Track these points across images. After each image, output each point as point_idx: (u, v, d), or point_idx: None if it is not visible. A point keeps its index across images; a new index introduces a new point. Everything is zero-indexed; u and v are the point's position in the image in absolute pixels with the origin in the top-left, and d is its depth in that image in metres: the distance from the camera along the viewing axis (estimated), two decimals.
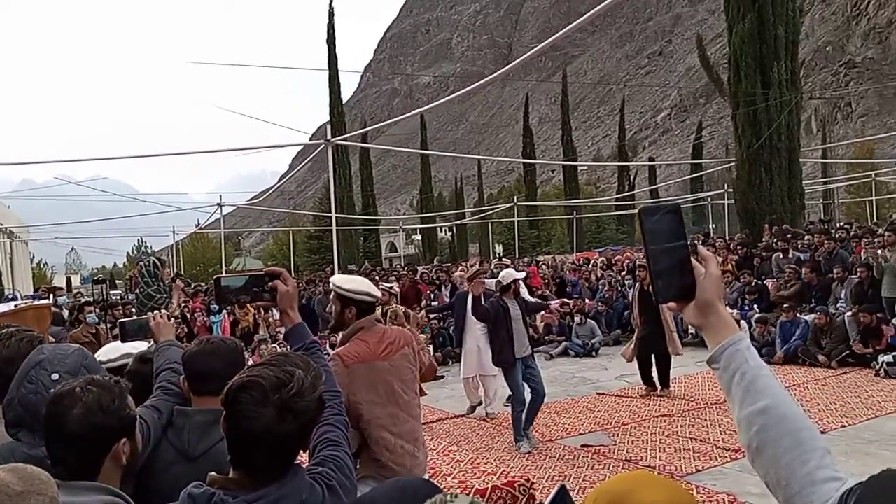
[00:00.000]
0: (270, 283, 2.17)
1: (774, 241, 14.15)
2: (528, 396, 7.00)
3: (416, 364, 3.29)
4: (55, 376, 1.98)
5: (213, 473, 1.62)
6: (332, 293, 3.20)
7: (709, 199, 31.51)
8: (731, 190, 23.08)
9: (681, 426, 7.33)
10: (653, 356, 9.03)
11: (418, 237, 52.63)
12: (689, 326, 13.01)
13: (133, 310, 8.00)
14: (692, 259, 1.17)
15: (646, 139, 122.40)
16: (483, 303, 7.23)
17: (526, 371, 6.98)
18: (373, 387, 3.03)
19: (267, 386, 1.55)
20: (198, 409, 2.20)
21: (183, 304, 11.26)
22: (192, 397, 2.28)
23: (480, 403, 8.63)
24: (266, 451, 1.56)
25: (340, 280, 3.23)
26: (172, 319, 2.86)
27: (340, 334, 3.26)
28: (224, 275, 2.50)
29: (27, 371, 2.00)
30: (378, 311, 4.96)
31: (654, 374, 9.06)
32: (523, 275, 7.52)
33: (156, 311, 2.79)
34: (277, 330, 12.92)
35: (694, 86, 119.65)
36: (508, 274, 7.35)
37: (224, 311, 12.87)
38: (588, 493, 1.10)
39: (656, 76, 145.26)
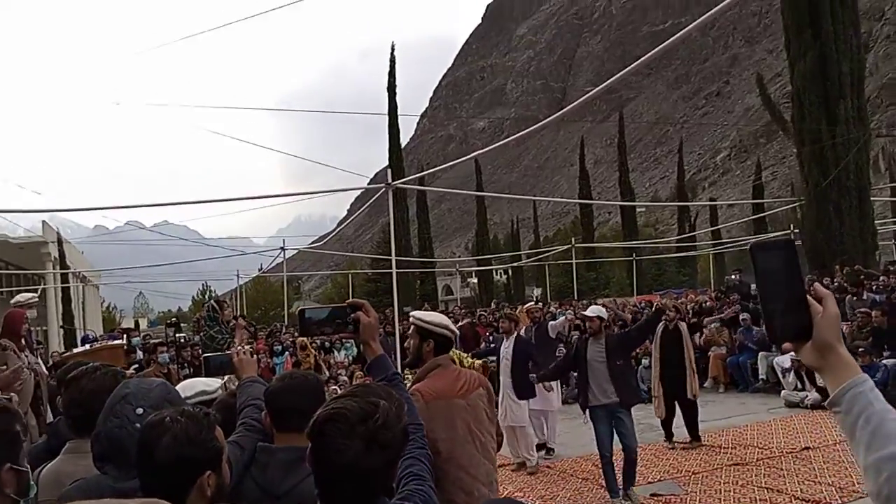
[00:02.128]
0: (353, 315, 2.19)
1: (845, 282, 13.62)
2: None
3: (491, 407, 3.26)
4: (139, 410, 2.02)
5: None
6: (412, 327, 3.22)
7: (759, 240, 30.70)
8: (797, 231, 22.38)
9: (755, 476, 7.03)
10: (676, 403, 8.63)
11: (474, 280, 52.43)
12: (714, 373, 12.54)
13: (200, 351, 8.19)
14: (808, 297, 1.12)
15: (705, 180, 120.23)
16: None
17: (613, 421, 6.42)
18: (451, 424, 3.00)
19: (353, 418, 1.54)
20: (281, 447, 2.21)
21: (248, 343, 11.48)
22: (275, 433, 2.30)
23: (527, 461, 8.10)
24: (353, 485, 1.55)
25: (420, 314, 3.26)
26: (255, 356, 2.92)
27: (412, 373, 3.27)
28: (308, 307, 2.54)
29: (113, 405, 2.05)
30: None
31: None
32: (602, 311, 7.01)
33: (239, 348, 2.85)
34: (338, 372, 13.01)
35: (753, 126, 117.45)
36: (594, 309, 6.98)
37: (287, 353, 13.05)
38: None
39: (714, 117, 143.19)
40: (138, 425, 1.97)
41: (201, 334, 7.23)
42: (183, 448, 1.73)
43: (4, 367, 5.26)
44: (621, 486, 6.33)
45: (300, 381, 2.35)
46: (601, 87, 8.88)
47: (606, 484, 6.36)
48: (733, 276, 17.37)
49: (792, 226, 25.11)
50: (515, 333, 8.18)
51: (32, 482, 1.51)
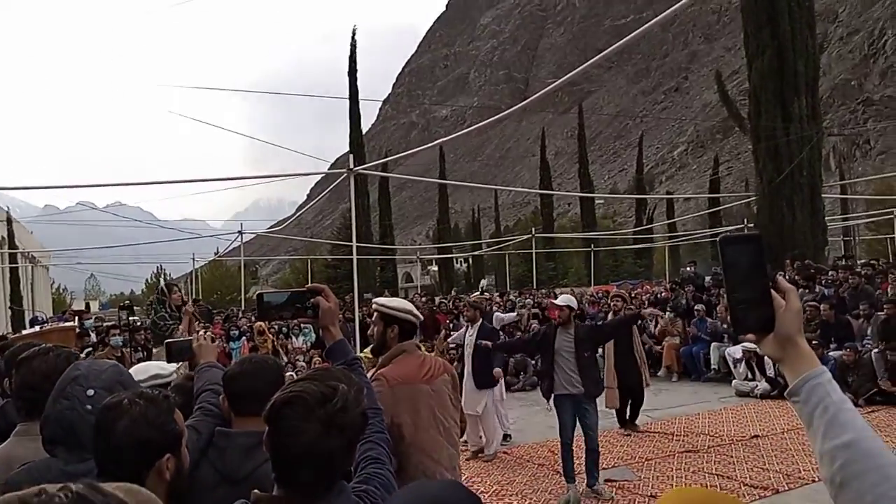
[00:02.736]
0: (312, 300, 2.17)
1: (796, 276, 14.00)
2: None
3: (455, 393, 3.27)
4: (91, 392, 1.97)
5: (256, 492, 1.58)
6: (375, 314, 3.20)
7: (727, 233, 31.38)
8: (751, 225, 22.95)
9: (706, 462, 7.21)
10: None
11: (434, 268, 52.49)
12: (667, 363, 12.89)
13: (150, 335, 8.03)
14: (772, 291, 1.15)
15: (662, 174, 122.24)
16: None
17: (578, 412, 6.37)
18: (416, 409, 3.00)
19: (311, 401, 1.52)
20: (240, 432, 2.18)
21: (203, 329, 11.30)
22: (233, 418, 2.26)
23: (482, 448, 8.13)
24: (311, 468, 1.53)
25: (383, 300, 3.25)
26: (214, 341, 2.87)
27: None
28: (266, 290, 2.50)
29: (63, 387, 1.99)
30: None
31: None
32: (574, 302, 6.85)
33: (199, 333, 2.80)
34: (296, 357, 12.91)
35: (710, 122, 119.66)
36: (566, 298, 6.87)
37: (243, 338, 12.89)
38: None
39: (672, 112, 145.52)
40: (89, 407, 1.93)
41: (149, 318, 7.08)
42: (141, 431, 1.70)
43: None
44: (576, 474, 6.41)
45: (259, 365, 2.32)
46: (563, 79, 8.96)
47: (564, 470, 6.37)
48: (688, 268, 17.71)
49: (746, 220, 25.76)
50: (480, 321, 8.20)
51: None
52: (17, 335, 9.06)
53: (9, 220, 30.44)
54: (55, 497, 0.44)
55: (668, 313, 13.85)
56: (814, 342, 10.54)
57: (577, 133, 53.72)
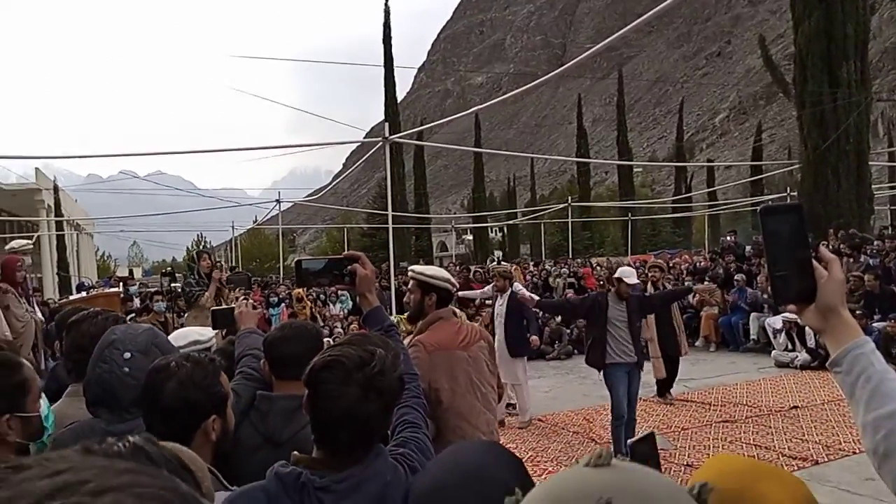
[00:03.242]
0: (349, 267, 2.19)
1: (841, 246, 13.66)
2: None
3: (492, 360, 3.29)
4: (127, 355, 2.02)
5: (296, 453, 1.62)
6: (412, 282, 3.22)
7: (770, 202, 30.66)
8: (793, 193, 22.41)
9: (744, 433, 7.15)
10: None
11: (469, 237, 52.47)
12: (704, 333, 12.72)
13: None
14: (813, 261, 1.14)
15: (703, 141, 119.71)
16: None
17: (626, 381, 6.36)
18: (453, 375, 3.04)
19: (349, 365, 1.55)
20: (282, 395, 2.22)
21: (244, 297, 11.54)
22: (274, 381, 2.31)
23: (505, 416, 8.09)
24: (350, 431, 1.56)
25: (420, 268, 3.27)
26: (258, 308, 2.93)
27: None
28: (305, 258, 2.54)
29: (101, 351, 2.06)
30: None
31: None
32: (634, 277, 6.60)
33: (241, 300, 2.86)
34: (334, 324, 13.09)
35: (753, 87, 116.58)
36: (624, 271, 6.67)
37: (282, 305, 13.11)
38: (692, 476, 1.06)
39: (714, 77, 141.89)
40: (127, 369, 1.99)
41: (181, 284, 7.27)
42: (188, 392, 1.74)
43: (6, 308, 5.27)
44: (607, 442, 6.44)
45: (299, 331, 2.36)
46: (601, 44, 8.75)
47: (615, 445, 6.29)
48: (728, 238, 17.39)
49: (789, 188, 25.15)
50: (509, 290, 8.18)
51: (48, 424, 1.53)
52: (65, 300, 9.35)
53: (55, 189, 31.22)
54: (114, 446, 0.47)
55: (706, 283, 13.68)
56: (857, 313, 10.31)
57: (616, 100, 52.89)
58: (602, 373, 6.48)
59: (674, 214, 41.16)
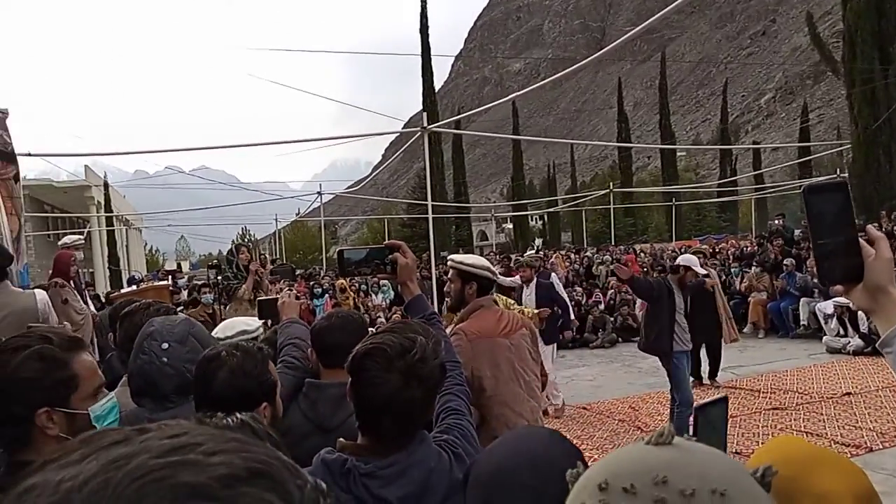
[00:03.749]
0: (390, 256, 2.21)
1: (893, 227, 13.22)
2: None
3: (535, 347, 3.27)
4: (165, 345, 2.07)
5: (342, 440, 1.64)
6: (452, 271, 3.22)
7: (812, 182, 29.88)
8: (844, 175, 21.76)
9: (794, 420, 7.00)
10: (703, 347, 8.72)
11: (509, 225, 52.32)
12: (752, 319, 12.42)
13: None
14: (860, 240, 1.11)
15: (748, 123, 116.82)
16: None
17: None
18: (495, 363, 3.04)
19: (391, 352, 1.56)
20: (330, 383, 2.26)
21: (288, 287, 11.73)
22: (322, 370, 2.35)
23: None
24: (392, 418, 1.57)
25: (460, 257, 3.27)
26: (300, 299, 2.98)
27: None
28: (347, 247, 2.56)
29: (140, 343, 2.11)
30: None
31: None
32: (698, 266, 6.71)
33: (284, 291, 2.91)
34: (376, 315, 13.20)
35: (800, 67, 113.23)
36: (690, 259, 6.64)
37: (326, 296, 13.27)
38: (752, 457, 1.04)
39: (759, 57, 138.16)
40: (165, 359, 2.05)
41: (220, 277, 7.41)
42: (239, 381, 1.78)
43: (65, 302, 5.43)
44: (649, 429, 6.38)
45: (345, 320, 2.39)
46: (642, 26, 8.57)
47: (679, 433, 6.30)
48: (776, 221, 16.95)
49: (838, 170, 24.41)
50: (535, 280, 8.12)
51: (114, 418, 1.58)
52: (116, 293, 9.62)
53: (105, 186, 32.07)
54: (224, 419, 0.49)
55: (754, 268, 13.39)
56: None
57: (658, 82, 52.00)
58: (664, 360, 6.47)
59: (719, 199, 40.29)
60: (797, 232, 14.91)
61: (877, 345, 1.10)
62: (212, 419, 0.47)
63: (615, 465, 0.60)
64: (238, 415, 0.52)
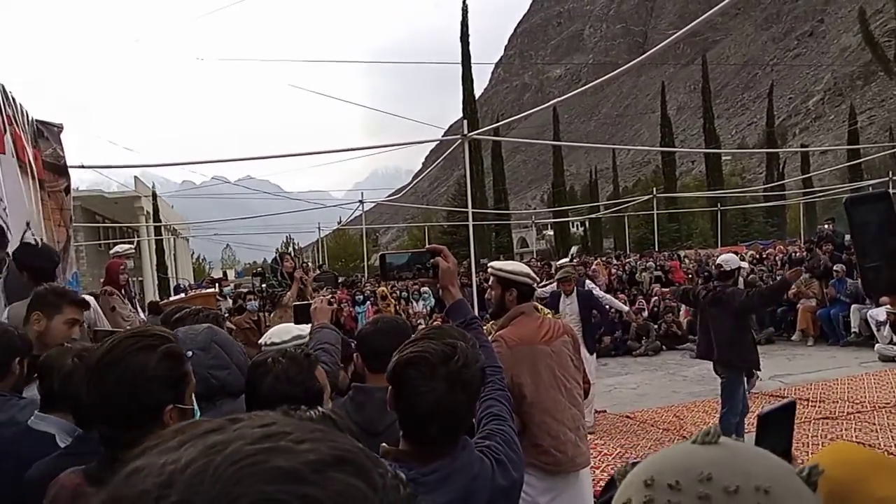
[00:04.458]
0: (432, 260, 2.22)
1: None
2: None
3: (576, 354, 3.26)
4: (189, 353, 2.14)
5: (385, 445, 1.65)
6: (492, 278, 3.23)
7: (869, 188, 29.03)
8: (895, 178, 21.14)
9: (845, 430, 6.82)
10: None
11: (550, 232, 51.87)
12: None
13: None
14: None
15: (796, 126, 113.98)
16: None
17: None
18: (535, 370, 3.03)
19: (434, 360, 1.57)
20: (377, 387, 2.29)
21: (330, 294, 11.90)
22: (367, 374, 2.39)
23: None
24: (438, 425, 1.58)
25: (500, 264, 3.27)
26: (332, 304, 3.03)
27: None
28: (389, 252, 2.60)
29: None
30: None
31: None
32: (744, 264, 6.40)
33: (318, 297, 2.97)
34: (417, 322, 13.27)
35: (849, 67, 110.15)
36: (731, 260, 6.31)
37: (368, 302, 13.40)
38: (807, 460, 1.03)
39: (806, 58, 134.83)
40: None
41: (265, 285, 7.58)
42: (283, 387, 1.83)
43: (113, 309, 5.60)
44: None
45: (391, 325, 2.43)
46: (685, 29, 8.46)
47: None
48: (826, 226, 16.53)
49: (890, 172, 23.68)
50: (574, 290, 8.04)
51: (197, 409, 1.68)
52: (166, 301, 9.90)
53: (154, 196, 32.89)
54: (307, 412, 0.51)
55: (803, 274, 13.07)
56: None
57: (701, 86, 51.18)
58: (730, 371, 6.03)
59: (766, 203, 39.40)
60: (847, 237, 14.51)
61: None
62: (297, 412, 0.51)
63: (661, 462, 0.61)
64: (320, 408, 0.54)
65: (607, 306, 9.04)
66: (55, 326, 2.75)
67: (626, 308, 10.90)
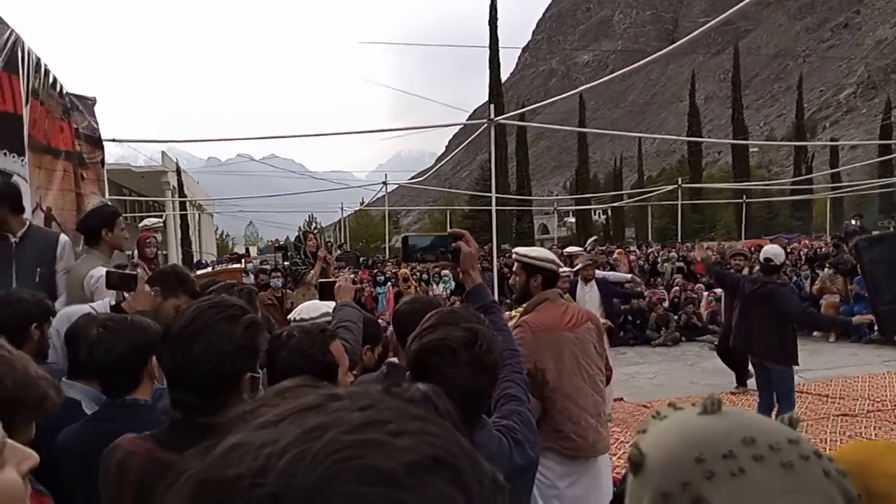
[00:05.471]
0: (454, 244, 2.24)
1: None
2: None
3: (600, 342, 3.28)
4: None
5: None
6: (516, 264, 3.26)
7: (862, 237, 28.55)
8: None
9: (865, 427, 6.78)
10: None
11: (571, 219, 51.63)
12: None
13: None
14: None
15: (826, 119, 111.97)
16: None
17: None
18: (559, 356, 3.06)
19: (457, 346, 1.59)
20: None
21: (352, 273, 11.99)
22: (401, 352, 2.45)
23: None
24: (461, 407, 1.61)
25: (525, 250, 3.29)
26: (355, 284, 3.08)
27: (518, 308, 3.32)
28: (412, 234, 2.64)
29: None
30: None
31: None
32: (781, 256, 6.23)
33: (342, 276, 3.02)
34: None
35: (884, 60, 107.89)
36: (780, 254, 6.05)
37: (389, 283, 13.48)
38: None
39: (840, 50, 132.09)
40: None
41: (288, 262, 7.65)
42: (296, 360, 1.87)
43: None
44: None
45: (428, 305, 2.46)
46: (717, 19, 8.32)
47: None
48: (853, 222, 16.34)
49: None
50: (593, 278, 8.02)
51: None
52: (194, 276, 10.04)
53: (178, 171, 33.23)
54: (409, 391, 0.50)
55: (827, 270, 12.94)
56: None
57: (731, 76, 50.50)
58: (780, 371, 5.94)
59: (792, 197, 38.86)
60: (875, 233, 14.34)
61: None
62: (398, 389, 0.48)
63: (691, 438, 0.65)
64: (421, 387, 0.54)
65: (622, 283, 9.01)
66: (166, 308, 2.77)
67: (629, 276, 10.83)
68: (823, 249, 15.47)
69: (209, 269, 11.33)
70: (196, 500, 0.39)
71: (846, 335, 11.98)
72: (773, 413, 5.85)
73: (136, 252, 6.47)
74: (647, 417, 0.78)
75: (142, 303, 2.78)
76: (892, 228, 14.84)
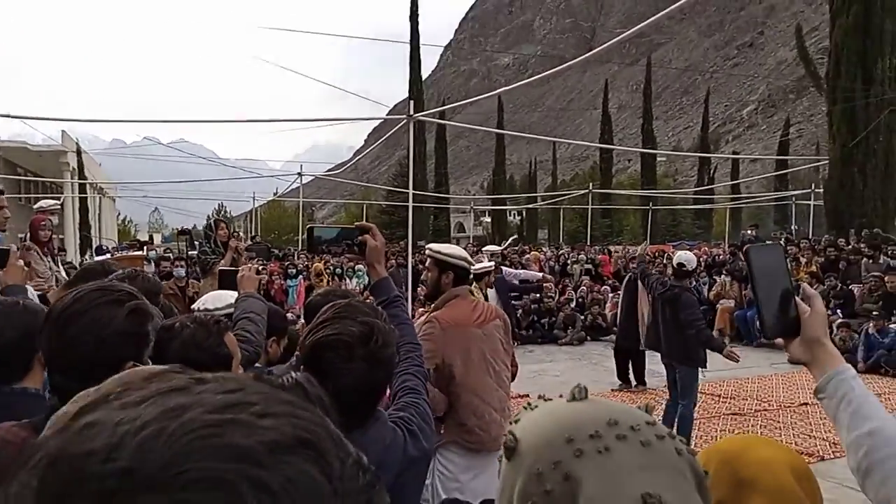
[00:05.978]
0: (360, 237, 2.20)
1: (862, 245, 13.54)
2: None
3: (507, 338, 3.33)
4: None
5: None
6: (429, 260, 3.26)
7: (793, 198, 30.46)
8: (818, 190, 22.18)
9: (751, 426, 7.19)
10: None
11: (487, 219, 52.36)
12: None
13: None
14: (795, 297, 1.23)
15: (729, 133, 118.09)
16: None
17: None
18: (466, 351, 3.08)
19: (352, 341, 1.57)
20: None
21: (260, 264, 11.71)
22: None
23: None
24: (356, 401, 1.59)
25: (438, 246, 3.30)
26: (266, 276, 3.00)
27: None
28: (318, 225, 2.58)
29: None
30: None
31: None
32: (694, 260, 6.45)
33: (246, 265, 2.92)
34: None
35: (784, 81, 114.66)
36: (692, 260, 6.36)
37: (300, 277, 13.23)
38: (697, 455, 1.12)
39: (744, 68, 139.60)
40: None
41: (197, 251, 7.39)
42: (190, 352, 1.78)
43: (28, 265, 5.36)
44: None
45: (341, 298, 2.42)
46: (632, 30, 8.62)
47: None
48: (749, 231, 17.28)
49: (814, 185, 24.84)
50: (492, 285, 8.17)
51: None
52: (90, 262, 9.53)
53: (78, 152, 31.53)
54: (279, 378, 0.50)
55: (724, 276, 13.63)
56: (874, 313, 10.27)
57: (643, 87, 52.38)
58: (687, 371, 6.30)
59: (695, 206, 40.80)
60: (768, 242, 15.20)
61: (813, 392, 1.20)
62: (270, 376, 0.48)
63: (562, 421, 0.71)
64: (293, 374, 0.53)
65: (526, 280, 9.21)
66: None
67: (540, 274, 11.11)
68: (721, 257, 16.27)
69: (108, 255, 10.81)
70: (48, 477, 0.37)
71: (739, 339, 12.66)
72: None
73: (28, 235, 6.10)
74: (518, 409, 0.86)
75: (13, 277, 2.62)
76: (782, 239, 15.76)
